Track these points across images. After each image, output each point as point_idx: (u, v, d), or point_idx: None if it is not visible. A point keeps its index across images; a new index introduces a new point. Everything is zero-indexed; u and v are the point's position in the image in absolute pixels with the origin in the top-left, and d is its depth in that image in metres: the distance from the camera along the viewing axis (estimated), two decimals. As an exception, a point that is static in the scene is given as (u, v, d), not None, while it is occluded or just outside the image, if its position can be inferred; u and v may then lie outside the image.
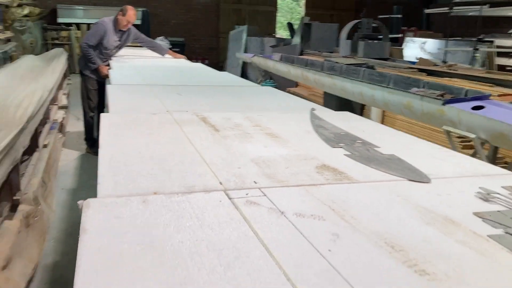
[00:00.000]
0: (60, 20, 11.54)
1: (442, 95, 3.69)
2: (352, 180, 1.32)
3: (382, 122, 6.84)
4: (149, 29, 12.21)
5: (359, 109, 7.26)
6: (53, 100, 4.80)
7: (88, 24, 10.09)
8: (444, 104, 3.28)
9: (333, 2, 14.85)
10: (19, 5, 9.49)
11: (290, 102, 2.76)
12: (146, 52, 5.38)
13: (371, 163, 1.48)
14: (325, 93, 7.29)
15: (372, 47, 8.41)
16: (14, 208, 2.62)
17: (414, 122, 5.47)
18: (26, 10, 9.72)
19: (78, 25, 11.21)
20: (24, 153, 3.19)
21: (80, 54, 4.75)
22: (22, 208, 2.64)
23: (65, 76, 6.34)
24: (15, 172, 2.59)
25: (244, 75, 11.34)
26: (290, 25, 11.68)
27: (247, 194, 1.15)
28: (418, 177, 1.36)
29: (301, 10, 15.67)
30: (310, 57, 9.10)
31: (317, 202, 1.13)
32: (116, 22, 4.27)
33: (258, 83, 9.01)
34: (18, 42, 9.14)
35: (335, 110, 2.63)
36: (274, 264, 0.82)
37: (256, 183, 1.24)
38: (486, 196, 1.22)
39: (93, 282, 0.74)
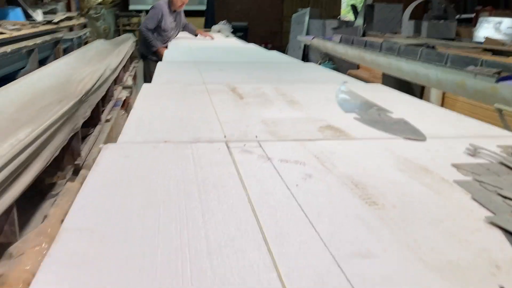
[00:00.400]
0: (131, 7, 12.21)
1: (498, 73, 3.59)
2: (349, 137, 1.42)
3: (442, 104, 6.65)
4: (213, 14, 12.55)
5: (419, 91, 7.09)
6: (118, 80, 5.19)
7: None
8: (497, 81, 3.21)
9: (402, -17, 14.37)
10: (94, -6, 10.16)
11: (327, 76, 2.84)
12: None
13: (375, 125, 1.56)
14: (383, 75, 7.18)
15: (437, 28, 8.11)
16: (76, 172, 2.94)
17: (476, 104, 5.29)
18: (100, -1, 10.38)
19: (147, 12, 11.79)
20: (88, 126, 3.55)
21: (140, 38, 5.11)
22: (83, 173, 2.97)
23: (131, 59, 6.76)
24: (76, 140, 2.91)
25: (305, 58, 11.37)
26: (353, 7, 11.51)
27: (244, 145, 1.30)
28: (414, 135, 1.43)
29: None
30: (371, 38, 8.94)
31: (305, 153, 1.25)
32: (171, 3, 4.53)
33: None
34: (93, 29, 9.80)
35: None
36: (243, 191, 0.97)
37: (257, 137, 1.38)
38: (474, 152, 1.27)
39: (92, 195, 0.93)
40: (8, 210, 1.90)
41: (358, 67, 9.34)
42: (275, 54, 4.11)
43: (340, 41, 7.55)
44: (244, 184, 1.01)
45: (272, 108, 1.80)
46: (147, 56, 4.72)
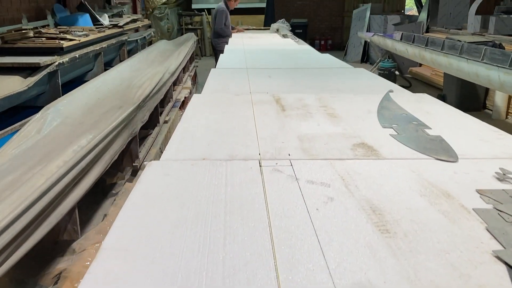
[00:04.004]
0: (194, 6, 12.57)
1: None
2: (379, 157, 1.46)
3: (508, 106, 6.32)
4: (273, 11, 12.63)
5: (483, 91, 6.79)
6: (178, 81, 5.43)
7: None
8: None
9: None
10: (159, -6, 10.58)
11: (375, 84, 2.84)
12: (261, 35, 5.77)
13: (410, 143, 1.59)
14: (445, 74, 6.94)
15: (507, 23, 7.68)
16: (134, 173, 3.16)
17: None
18: (164, -1, 10.79)
19: (209, 11, 12.09)
20: (147, 128, 3.78)
21: (211, 38, 7.45)
22: (141, 174, 3.18)
23: (192, 59, 7.01)
24: (134, 143, 3.12)
25: (365, 54, 11.18)
26: (418, 1, 11.14)
27: (276, 164, 1.38)
28: (446, 156, 1.44)
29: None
30: (434, 34, 8.65)
31: (333, 173, 1.31)
32: (227, 5, 6.65)
33: (378, 63, 8.87)
34: (157, 28, 10.22)
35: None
36: (265, 213, 1.06)
37: (289, 155, 1.46)
38: (502, 176, 1.28)
39: (135, 208, 1.05)
40: (71, 211, 2.11)
41: (420, 64, 9.07)
42: (327, 58, 4.13)
43: (401, 38, 7.37)
44: (267, 204, 1.10)
45: (310, 121, 1.86)
46: (218, 48, 6.43)
